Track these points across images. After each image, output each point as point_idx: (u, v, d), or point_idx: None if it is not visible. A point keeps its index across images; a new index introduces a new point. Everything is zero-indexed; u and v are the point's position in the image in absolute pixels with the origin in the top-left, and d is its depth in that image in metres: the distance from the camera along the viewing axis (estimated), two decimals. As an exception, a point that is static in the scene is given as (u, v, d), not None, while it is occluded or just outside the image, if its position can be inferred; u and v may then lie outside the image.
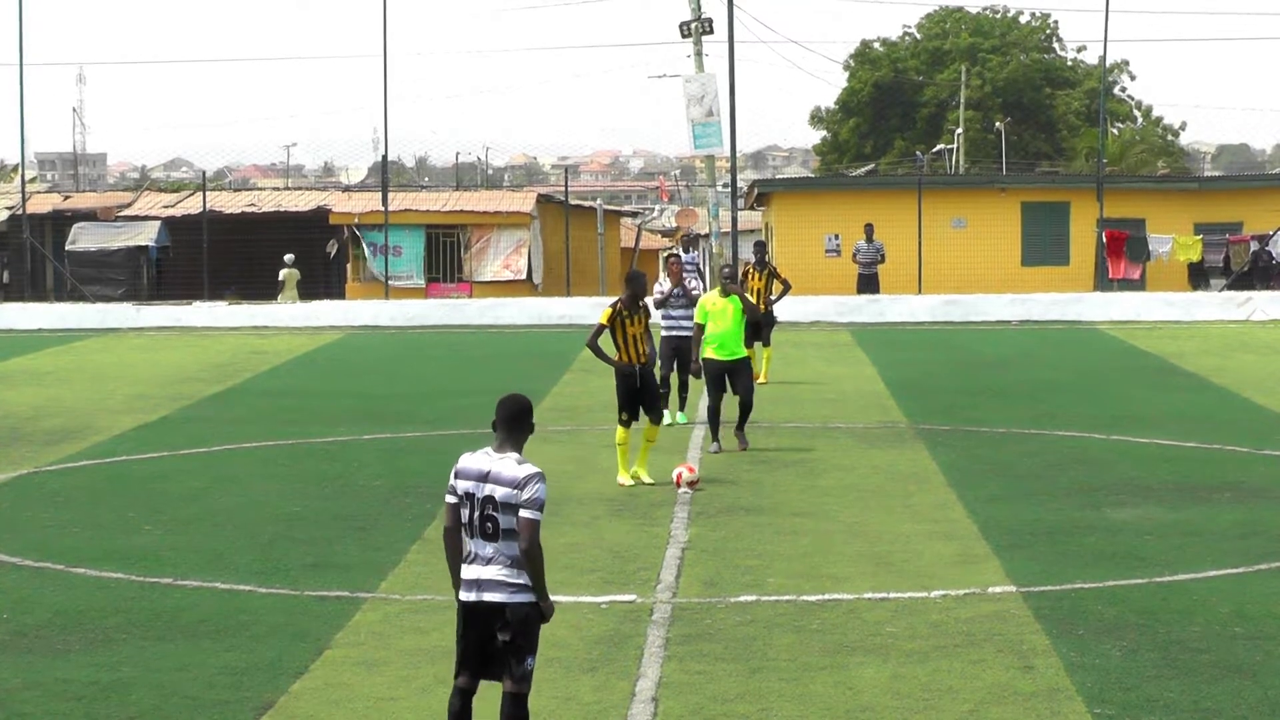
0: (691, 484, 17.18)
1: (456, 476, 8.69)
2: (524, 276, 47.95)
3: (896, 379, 27.82)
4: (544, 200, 51.14)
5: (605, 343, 18.04)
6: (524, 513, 8.50)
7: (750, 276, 27.28)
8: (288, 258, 46.54)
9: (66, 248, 47.36)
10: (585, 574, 13.70)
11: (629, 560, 14.20)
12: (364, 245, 47.73)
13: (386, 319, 41.93)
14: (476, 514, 8.59)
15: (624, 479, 17.98)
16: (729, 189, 47.23)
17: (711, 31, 46.24)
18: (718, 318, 19.77)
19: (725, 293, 19.93)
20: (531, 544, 8.50)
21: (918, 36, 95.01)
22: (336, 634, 11.87)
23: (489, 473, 8.59)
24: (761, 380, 26.90)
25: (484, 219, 48.72)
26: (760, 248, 28.23)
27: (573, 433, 22.08)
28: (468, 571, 8.65)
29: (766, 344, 26.99)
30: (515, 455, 8.63)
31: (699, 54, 46.30)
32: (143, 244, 47.59)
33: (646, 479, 17.95)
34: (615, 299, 18.47)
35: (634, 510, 16.50)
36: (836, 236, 45.85)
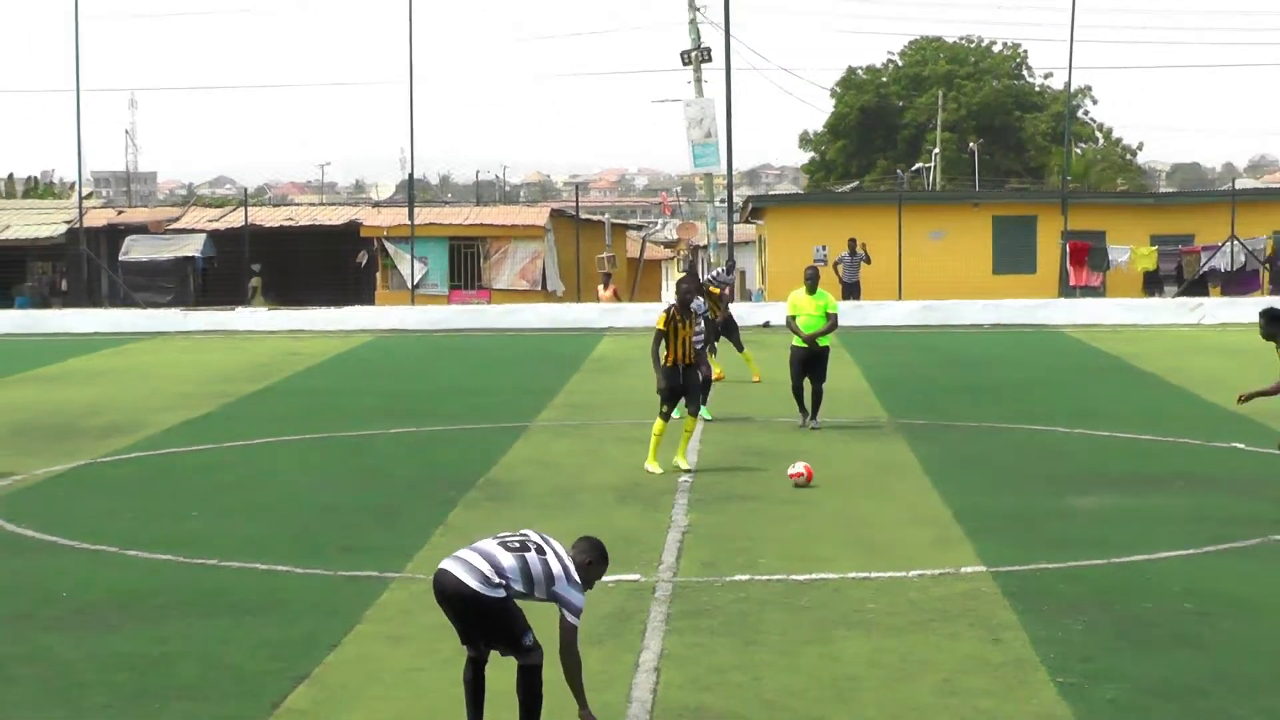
0: (807, 476, 16.98)
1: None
2: (539, 287, 47.94)
3: (879, 378, 27.81)
4: (556, 214, 51.16)
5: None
6: (564, 615, 8.45)
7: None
8: (255, 267, 46.86)
9: (120, 258, 47.40)
10: (594, 556, 13.70)
11: (634, 543, 14.21)
12: (402, 255, 47.52)
13: (413, 323, 41.92)
14: (514, 538, 8.54)
15: (652, 467, 17.82)
16: (726, 204, 47.24)
17: (710, 60, 46.22)
18: (802, 311, 21.33)
19: (811, 290, 21.39)
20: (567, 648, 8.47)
21: (899, 64, 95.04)
22: (367, 611, 11.89)
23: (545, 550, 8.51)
24: (755, 379, 26.97)
25: (502, 231, 48.71)
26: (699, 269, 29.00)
27: (582, 427, 22.09)
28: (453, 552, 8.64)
29: (740, 348, 26.89)
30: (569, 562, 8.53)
31: (699, 80, 46.29)
32: (190, 255, 47.58)
33: (684, 465, 17.84)
34: (669, 305, 18.47)
35: (639, 498, 16.51)
36: (824, 247, 45.86)
